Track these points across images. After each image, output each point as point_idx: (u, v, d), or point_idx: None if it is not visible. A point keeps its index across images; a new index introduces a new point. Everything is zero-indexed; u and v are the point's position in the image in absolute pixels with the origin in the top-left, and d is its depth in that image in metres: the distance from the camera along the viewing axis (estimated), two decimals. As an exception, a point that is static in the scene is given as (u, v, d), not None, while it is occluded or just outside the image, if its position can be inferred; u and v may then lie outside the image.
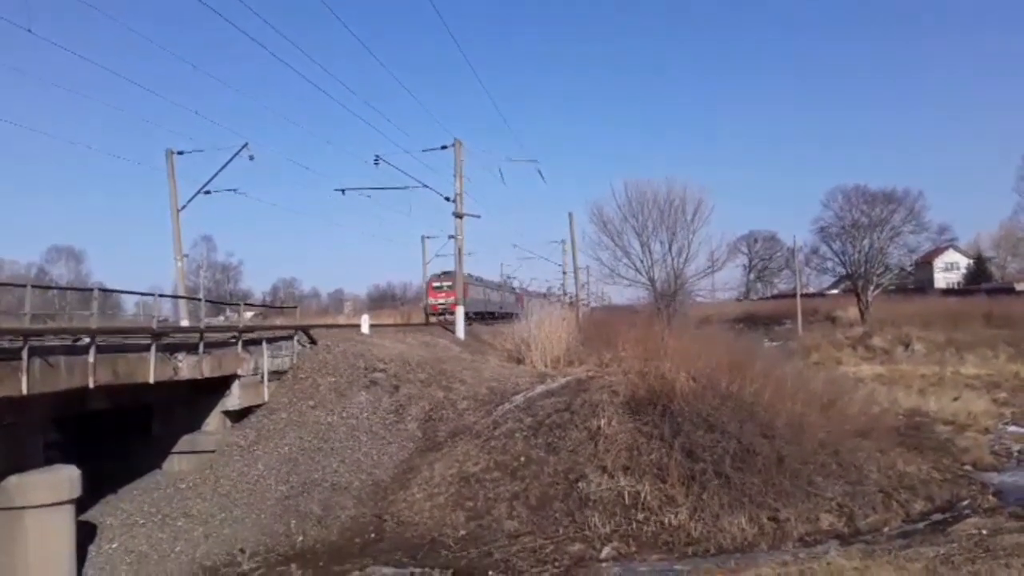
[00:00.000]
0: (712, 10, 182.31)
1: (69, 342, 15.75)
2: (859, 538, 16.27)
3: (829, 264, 74.00)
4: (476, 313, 56.15)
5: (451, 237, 42.12)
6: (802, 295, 72.36)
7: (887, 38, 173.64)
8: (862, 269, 66.97)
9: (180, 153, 34.46)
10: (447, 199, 37.79)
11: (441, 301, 53.49)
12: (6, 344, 13.99)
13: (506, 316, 64.01)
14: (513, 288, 79.58)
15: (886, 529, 16.87)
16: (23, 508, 14.27)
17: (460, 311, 38.28)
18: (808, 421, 20.00)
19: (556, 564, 15.84)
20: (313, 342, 25.33)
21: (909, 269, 74.33)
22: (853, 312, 67.69)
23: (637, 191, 49.84)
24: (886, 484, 18.63)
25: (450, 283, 51.11)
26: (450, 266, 59.32)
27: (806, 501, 17.46)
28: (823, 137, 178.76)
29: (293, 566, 16.28)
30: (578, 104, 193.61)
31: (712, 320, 56.03)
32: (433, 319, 51.32)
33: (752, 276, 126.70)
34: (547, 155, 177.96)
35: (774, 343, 54.22)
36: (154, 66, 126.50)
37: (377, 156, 35.63)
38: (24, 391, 13.76)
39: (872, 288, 66.63)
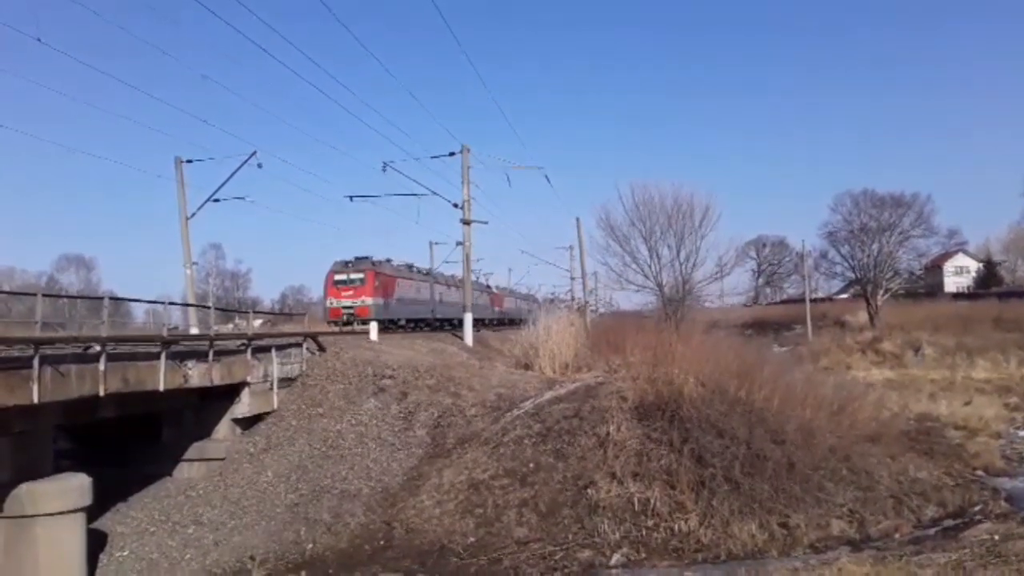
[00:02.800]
0: (719, 14, 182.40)
1: (80, 350, 15.81)
2: (870, 544, 16.22)
3: (838, 269, 73.97)
4: (412, 321, 42.85)
5: (459, 243, 42.16)
6: (811, 300, 72.18)
7: (894, 42, 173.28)
8: (871, 273, 66.78)
9: (189, 161, 34.76)
10: (455, 205, 37.82)
11: (346, 303, 38.48)
12: (17, 353, 14.06)
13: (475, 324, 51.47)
14: (487, 286, 64.98)
15: (897, 535, 16.78)
16: (34, 516, 14.33)
17: (468, 317, 38.23)
18: (818, 426, 19.93)
19: (566, 571, 15.82)
20: (322, 349, 25.40)
21: (919, 273, 74.14)
22: (863, 317, 67.46)
23: (644, 196, 49.69)
24: (897, 489, 18.55)
25: (361, 275, 38.92)
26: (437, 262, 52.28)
27: (816, 507, 17.40)
28: (832, 141, 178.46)
29: (303, 573, 16.28)
30: (585, 109, 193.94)
31: (721, 325, 55.81)
32: (337, 327, 36.27)
33: (761, 281, 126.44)
34: (555, 160, 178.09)
35: (783, 348, 54.22)
36: (163, 74, 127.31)
37: (385, 163, 35.59)
38: (35, 399, 13.82)
39: (881, 292, 66.43)
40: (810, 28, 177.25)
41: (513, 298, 72.74)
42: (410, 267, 46.43)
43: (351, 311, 37.75)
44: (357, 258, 39.83)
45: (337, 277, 39.23)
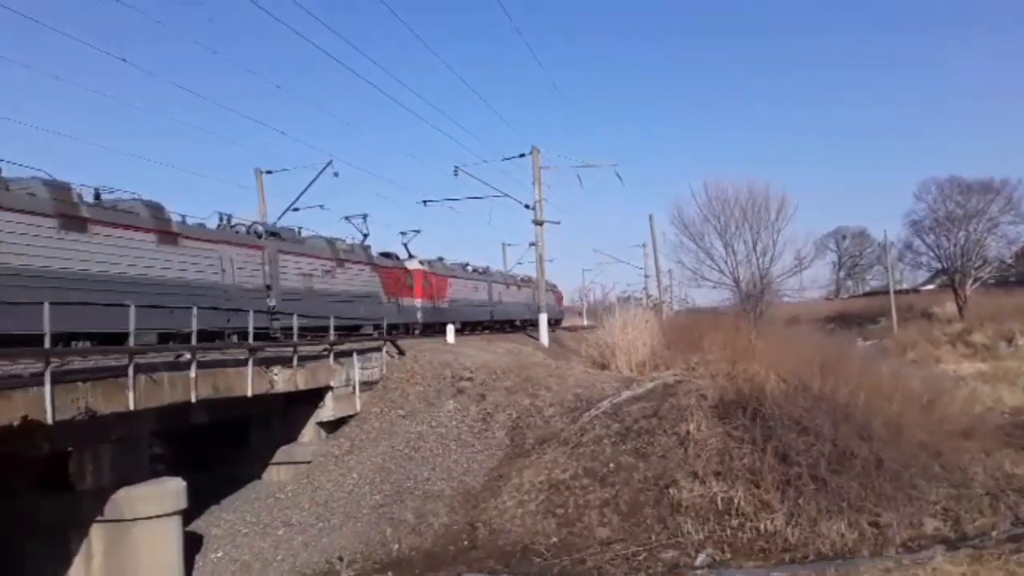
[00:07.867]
0: (791, 6, 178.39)
1: (171, 359, 16.40)
2: (966, 542, 15.65)
3: (923, 259, 71.76)
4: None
5: (531, 244, 42.15)
6: (896, 291, 70.19)
7: (976, 26, 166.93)
8: (958, 263, 64.57)
9: (268, 172, 35.61)
10: (526, 207, 38.00)
11: None
12: (113, 362, 14.66)
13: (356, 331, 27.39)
14: (391, 254, 35.62)
15: (994, 532, 16.14)
16: (133, 520, 14.86)
17: (543, 318, 38.26)
18: (907, 422, 19.32)
19: (650, 571, 15.70)
20: (401, 352, 25.77)
21: (1009, 261, 71.53)
22: (951, 307, 65.22)
23: (717, 191, 48.97)
24: (992, 486, 17.87)
25: None
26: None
27: (908, 505, 16.88)
28: (914, 127, 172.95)
29: (389, 574, 16.56)
30: (656, 104, 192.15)
31: (801, 320, 54.67)
32: None
33: (842, 273, 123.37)
34: (625, 158, 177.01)
35: (868, 342, 52.72)
36: (240, 88, 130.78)
37: (456, 167, 35.83)
38: (131, 406, 14.36)
39: (970, 282, 64.18)
40: (887, 15, 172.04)
41: (467, 281, 42.10)
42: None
43: None
44: None
45: None
